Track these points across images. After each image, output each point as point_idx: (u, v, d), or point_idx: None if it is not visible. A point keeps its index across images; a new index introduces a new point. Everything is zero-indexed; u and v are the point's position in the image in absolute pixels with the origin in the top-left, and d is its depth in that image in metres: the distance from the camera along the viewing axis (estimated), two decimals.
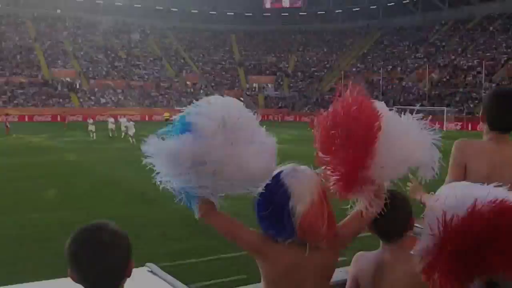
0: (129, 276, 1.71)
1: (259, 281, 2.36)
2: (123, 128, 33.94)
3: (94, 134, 34.30)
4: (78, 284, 1.67)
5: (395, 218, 2.38)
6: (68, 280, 1.69)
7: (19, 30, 77.50)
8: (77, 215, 11.82)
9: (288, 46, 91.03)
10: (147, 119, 61.36)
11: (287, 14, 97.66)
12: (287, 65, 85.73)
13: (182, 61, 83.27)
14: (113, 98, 68.44)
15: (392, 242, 2.43)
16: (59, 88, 67.25)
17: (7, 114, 43.77)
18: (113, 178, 17.74)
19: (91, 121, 36.25)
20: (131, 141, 29.78)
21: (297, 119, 65.07)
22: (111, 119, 36.34)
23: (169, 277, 2.78)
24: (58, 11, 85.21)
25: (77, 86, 68.98)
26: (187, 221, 10.73)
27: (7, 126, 37.98)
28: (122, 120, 35.30)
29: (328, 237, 2.20)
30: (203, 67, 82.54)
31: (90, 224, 1.70)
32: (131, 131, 30.69)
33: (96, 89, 69.27)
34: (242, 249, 2.35)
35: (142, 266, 2.98)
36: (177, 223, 11.04)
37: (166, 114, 51.68)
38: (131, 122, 32.09)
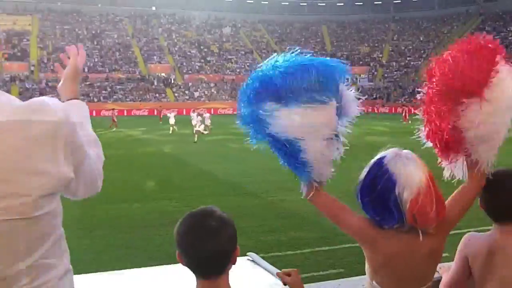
0: (234, 263, 1.72)
1: (357, 275, 2.38)
2: (207, 122, 33.83)
3: (175, 127, 34.07)
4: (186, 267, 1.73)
5: (509, 199, 2.34)
6: (171, 267, 1.82)
7: (117, 28, 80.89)
8: (175, 205, 12.24)
9: (381, 36, 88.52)
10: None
11: (380, 2, 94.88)
12: (380, 55, 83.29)
13: (273, 53, 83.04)
14: (206, 92, 69.63)
15: (505, 223, 2.38)
16: (155, 83, 69.35)
17: (113, 109, 45.29)
18: (209, 169, 17.86)
19: (172, 114, 35.73)
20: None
21: (393, 111, 62.92)
22: (194, 114, 35.99)
23: (270, 267, 2.78)
24: (153, 8, 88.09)
25: (172, 81, 70.82)
26: (283, 214, 11.24)
27: (114, 120, 39.24)
28: (206, 115, 35.12)
29: (437, 222, 2.15)
30: None
31: (199, 209, 1.74)
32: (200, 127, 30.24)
33: (190, 84, 70.77)
34: (346, 233, 2.29)
35: (244, 255, 2.97)
36: (273, 215, 11.20)
37: None
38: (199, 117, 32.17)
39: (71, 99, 1.78)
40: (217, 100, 67.04)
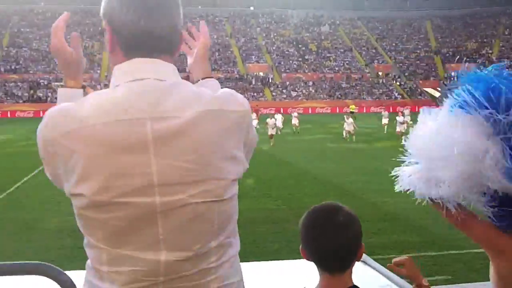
0: (358, 260, 1.74)
1: (465, 282, 2.50)
2: (295, 122, 33.23)
3: (257, 128, 33.49)
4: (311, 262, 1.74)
5: None
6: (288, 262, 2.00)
7: (217, 28, 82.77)
8: (274, 203, 12.38)
9: (491, 30, 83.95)
10: (337, 111, 60.80)
11: None
12: (490, 51, 78.86)
13: (374, 51, 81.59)
14: (304, 91, 69.39)
15: None
16: (253, 82, 70.15)
17: None
18: (307, 169, 17.82)
19: (253, 115, 35.25)
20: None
21: None
22: (295, 114, 35.33)
23: (383, 269, 2.69)
24: (252, 8, 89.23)
25: (270, 80, 71.29)
26: (385, 216, 11.02)
27: None
28: (294, 115, 34.45)
29: None
30: (396, 56, 79.88)
31: (325, 204, 1.76)
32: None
33: (287, 83, 70.87)
34: (473, 241, 1.84)
35: None
36: (375, 217, 10.98)
37: (352, 107, 50.79)
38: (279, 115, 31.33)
39: (206, 78, 1.83)
40: (315, 99, 66.62)
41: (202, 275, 1.41)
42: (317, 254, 1.70)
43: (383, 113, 36.87)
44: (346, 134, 28.13)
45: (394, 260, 2.06)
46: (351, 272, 1.73)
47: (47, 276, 1.82)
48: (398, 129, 28.21)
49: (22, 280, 2.31)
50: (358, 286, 1.72)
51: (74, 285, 1.79)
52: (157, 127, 1.33)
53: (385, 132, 32.22)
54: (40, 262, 1.87)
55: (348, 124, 28.07)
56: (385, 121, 33.45)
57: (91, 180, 1.31)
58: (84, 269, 1.43)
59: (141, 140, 1.32)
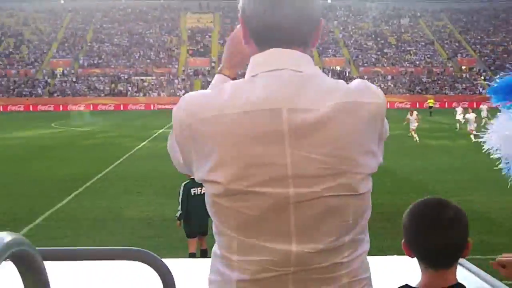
0: (465, 257, 1.72)
1: None
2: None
3: None
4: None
5: None
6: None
7: None
8: None
9: None
10: (417, 106, 59.09)
11: None
12: None
13: (457, 44, 78.63)
14: (382, 85, 67.95)
15: None
16: (330, 76, 69.18)
17: None
18: (385, 165, 16.61)
19: None
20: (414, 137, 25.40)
21: None
22: None
23: (477, 269, 2.63)
24: (329, 1, 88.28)
25: (347, 74, 70.42)
26: (470, 215, 9.90)
27: None
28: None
29: None
30: (481, 49, 76.60)
31: (432, 198, 1.73)
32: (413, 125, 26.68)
33: (365, 77, 69.60)
34: None
35: None
36: None
37: (430, 101, 49.23)
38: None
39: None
40: (394, 94, 65.14)
41: (334, 268, 1.39)
42: (424, 250, 1.66)
43: (456, 108, 35.36)
44: (414, 134, 24.55)
45: (498, 258, 1.96)
46: (456, 269, 1.69)
47: (145, 263, 1.85)
48: (469, 127, 25.25)
49: (117, 265, 2.42)
50: (463, 284, 1.64)
51: (170, 273, 1.81)
52: (293, 119, 1.33)
53: (457, 128, 30.99)
54: (139, 248, 1.91)
55: (412, 122, 24.95)
56: (459, 117, 31.87)
57: (226, 168, 1.34)
58: (165, 257, 1.44)
59: (277, 131, 1.33)
